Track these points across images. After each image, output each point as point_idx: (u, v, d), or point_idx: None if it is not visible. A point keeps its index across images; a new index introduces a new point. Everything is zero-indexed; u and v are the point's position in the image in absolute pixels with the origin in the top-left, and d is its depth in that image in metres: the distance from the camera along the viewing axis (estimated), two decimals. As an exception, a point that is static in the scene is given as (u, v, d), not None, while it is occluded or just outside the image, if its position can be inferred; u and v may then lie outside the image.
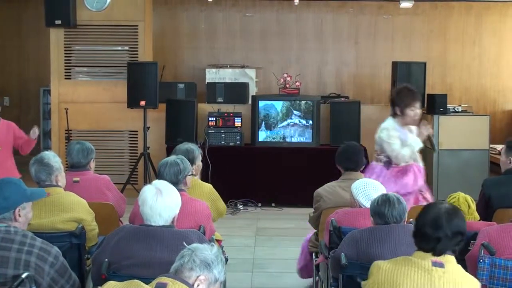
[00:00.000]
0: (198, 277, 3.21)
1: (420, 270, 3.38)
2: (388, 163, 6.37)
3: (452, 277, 3.37)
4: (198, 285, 3.20)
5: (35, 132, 7.67)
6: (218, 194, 5.89)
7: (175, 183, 4.82)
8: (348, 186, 5.67)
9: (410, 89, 6.41)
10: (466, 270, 4.42)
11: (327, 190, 5.81)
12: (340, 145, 6.07)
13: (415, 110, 6.31)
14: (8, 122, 7.74)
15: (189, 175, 5.09)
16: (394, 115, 6.38)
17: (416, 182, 6.37)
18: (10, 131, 7.67)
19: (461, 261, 4.57)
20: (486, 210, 5.48)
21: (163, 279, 3.19)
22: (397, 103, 6.33)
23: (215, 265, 3.25)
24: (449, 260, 3.43)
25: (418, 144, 6.40)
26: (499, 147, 10.39)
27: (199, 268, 3.22)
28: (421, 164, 6.54)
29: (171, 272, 3.24)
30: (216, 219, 5.75)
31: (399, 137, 6.30)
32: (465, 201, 5.02)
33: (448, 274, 3.37)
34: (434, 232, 3.39)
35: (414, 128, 6.45)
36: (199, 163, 5.84)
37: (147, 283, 3.25)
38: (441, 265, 3.38)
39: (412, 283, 3.37)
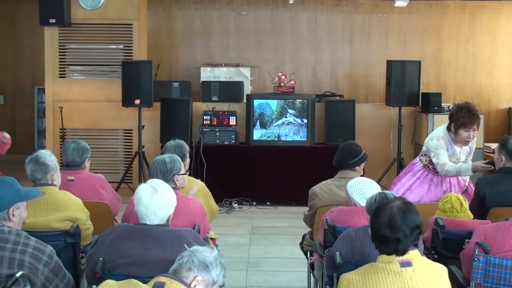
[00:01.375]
0: (195, 277, 3.21)
1: (390, 274, 3.33)
2: (432, 167, 6.32)
3: (422, 273, 3.35)
4: (195, 286, 3.20)
5: (5, 136, 7.59)
6: (210, 192, 5.93)
7: (166, 180, 4.82)
8: (343, 184, 5.68)
9: (471, 110, 6.13)
10: (460, 268, 4.46)
11: (322, 189, 5.81)
12: (337, 144, 6.08)
13: (470, 133, 6.12)
14: None
15: (181, 174, 5.08)
16: (449, 128, 6.22)
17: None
18: None
19: (455, 259, 4.61)
20: (481, 209, 5.49)
21: (161, 279, 3.20)
22: (454, 120, 6.15)
23: (214, 267, 3.25)
24: (414, 255, 3.39)
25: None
26: (494, 145, 10.42)
27: (197, 268, 3.22)
28: (467, 179, 6.41)
29: (170, 272, 3.24)
30: (211, 220, 5.75)
31: (447, 150, 6.20)
32: (457, 199, 5.04)
33: (418, 270, 3.35)
34: (392, 234, 3.35)
35: (466, 148, 6.33)
36: (188, 159, 5.88)
37: (142, 282, 3.25)
38: (409, 264, 3.35)
39: None
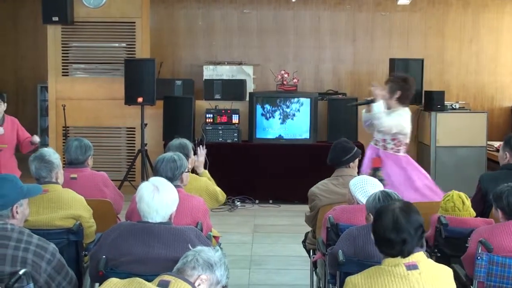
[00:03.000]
0: (199, 276, 3.22)
1: (397, 278, 3.31)
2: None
3: (429, 275, 3.33)
4: (199, 284, 3.20)
5: (36, 140, 7.67)
6: (214, 187, 5.95)
7: (171, 179, 4.83)
8: (340, 183, 5.71)
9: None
10: (463, 267, 4.45)
11: (321, 189, 5.82)
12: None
13: None
14: (12, 119, 7.74)
15: (186, 172, 5.10)
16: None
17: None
18: (14, 128, 7.68)
19: (458, 258, 4.60)
20: (483, 206, 5.48)
21: (165, 277, 3.20)
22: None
23: (218, 267, 3.27)
24: (420, 258, 3.37)
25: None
26: (497, 144, 10.43)
27: (201, 267, 3.24)
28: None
29: (174, 271, 3.25)
30: (216, 205, 5.87)
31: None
32: (459, 198, 5.03)
33: (424, 273, 3.33)
34: (397, 236, 3.33)
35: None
36: (193, 157, 5.89)
37: (144, 280, 3.25)
38: (415, 267, 3.33)
39: None
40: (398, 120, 6.74)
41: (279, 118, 9.88)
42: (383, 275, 3.34)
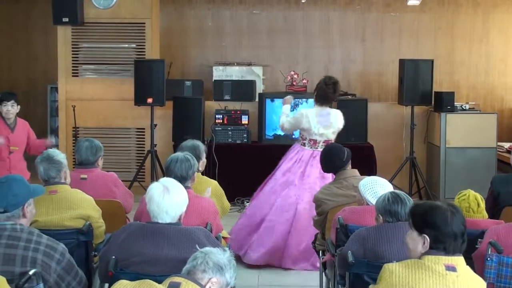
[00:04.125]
0: (210, 279, 3.23)
1: (435, 275, 3.33)
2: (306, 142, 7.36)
3: (465, 280, 3.35)
4: (209, 287, 3.22)
5: (52, 142, 7.71)
6: (222, 191, 5.94)
7: (185, 179, 4.86)
8: (344, 185, 5.71)
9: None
10: (473, 268, 4.44)
11: (325, 193, 5.83)
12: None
13: None
14: (24, 122, 7.79)
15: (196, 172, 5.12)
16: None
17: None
18: (25, 131, 7.73)
19: (467, 259, 4.59)
20: (495, 207, 5.47)
21: (176, 279, 3.21)
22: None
23: (228, 269, 3.28)
24: (460, 262, 3.40)
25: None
26: (507, 145, 10.40)
27: (212, 270, 3.25)
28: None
29: (183, 273, 3.25)
30: (222, 216, 5.77)
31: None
32: (475, 199, 4.99)
33: (461, 277, 3.34)
34: (451, 230, 3.36)
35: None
36: (204, 159, 5.89)
37: (154, 281, 3.26)
38: (453, 269, 3.35)
39: None
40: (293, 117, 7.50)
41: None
42: (421, 268, 3.37)
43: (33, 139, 7.75)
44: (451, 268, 3.35)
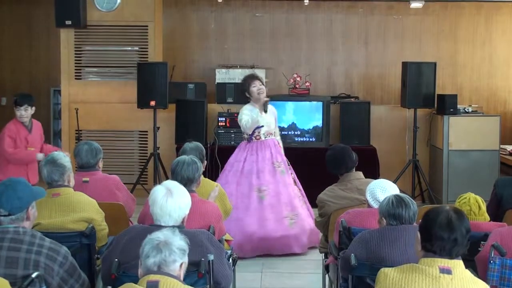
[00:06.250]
0: (180, 265, 3.35)
1: (428, 277, 3.34)
2: (249, 138, 7.66)
3: (460, 283, 3.33)
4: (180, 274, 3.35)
5: (39, 157, 7.70)
6: (225, 193, 5.97)
7: (191, 181, 4.86)
8: (349, 188, 5.70)
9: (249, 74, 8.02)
10: (476, 271, 4.43)
11: (328, 195, 5.83)
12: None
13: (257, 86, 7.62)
14: (38, 123, 7.88)
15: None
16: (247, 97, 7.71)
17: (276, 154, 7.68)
18: (40, 132, 7.81)
19: (471, 262, 4.58)
20: (497, 210, 5.46)
21: (151, 277, 3.23)
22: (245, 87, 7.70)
23: (187, 248, 3.40)
24: (457, 265, 3.39)
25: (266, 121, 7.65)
26: (510, 147, 10.39)
27: (179, 257, 3.34)
28: (277, 138, 7.96)
29: (153, 268, 3.28)
30: (224, 219, 5.77)
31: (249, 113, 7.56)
32: (476, 202, 4.99)
33: (456, 280, 3.33)
34: (451, 234, 3.37)
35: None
36: (205, 161, 5.92)
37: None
38: (448, 272, 3.34)
39: None
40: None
41: (292, 122, 9.87)
42: (415, 272, 3.38)
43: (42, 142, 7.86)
44: (445, 271, 3.35)
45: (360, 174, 5.91)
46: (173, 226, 3.94)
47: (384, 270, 3.48)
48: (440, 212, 3.45)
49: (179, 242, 3.37)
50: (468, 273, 3.44)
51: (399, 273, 3.42)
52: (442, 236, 3.38)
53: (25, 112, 7.58)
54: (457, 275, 3.36)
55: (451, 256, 3.39)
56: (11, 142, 7.51)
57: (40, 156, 7.49)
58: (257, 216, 7.43)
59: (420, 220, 3.56)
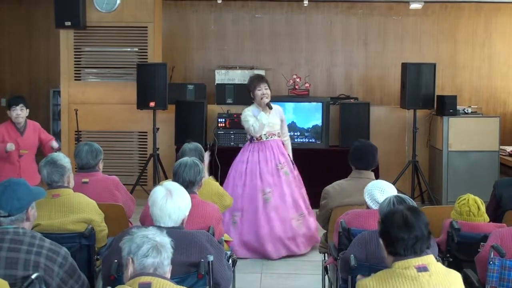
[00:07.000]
0: (169, 267, 3.38)
1: (407, 280, 3.34)
2: (251, 138, 7.68)
3: (439, 278, 3.36)
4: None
5: (55, 145, 7.73)
6: (224, 191, 6.04)
7: (193, 184, 4.87)
8: (357, 184, 5.68)
9: (257, 75, 7.93)
10: (475, 272, 4.44)
11: (335, 188, 5.82)
12: (352, 145, 6.08)
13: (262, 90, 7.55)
14: (34, 123, 7.83)
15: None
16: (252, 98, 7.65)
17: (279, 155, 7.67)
18: (36, 133, 7.76)
19: (470, 262, 4.59)
20: (497, 211, 5.47)
21: (143, 279, 3.23)
22: (250, 88, 7.64)
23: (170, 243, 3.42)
24: (430, 260, 3.41)
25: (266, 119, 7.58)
26: (509, 148, 10.40)
27: (169, 259, 3.38)
28: (285, 139, 7.94)
29: (150, 270, 3.28)
30: (229, 205, 6.05)
31: (253, 115, 7.55)
32: (475, 203, 5.00)
33: (434, 275, 3.35)
34: (410, 234, 3.37)
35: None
36: (205, 161, 5.94)
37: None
38: (425, 269, 3.35)
39: None
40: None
41: (291, 123, 9.86)
42: (394, 277, 3.36)
43: (46, 139, 7.79)
44: (422, 269, 3.36)
45: (372, 174, 5.90)
46: (173, 227, 3.95)
47: (362, 282, 3.45)
48: (395, 213, 3.46)
49: (170, 243, 3.38)
50: (441, 266, 3.47)
51: (379, 282, 3.39)
52: (402, 237, 3.38)
53: (21, 112, 7.57)
54: (434, 270, 3.37)
55: (417, 254, 3.39)
56: None
57: (9, 146, 7.44)
58: (265, 218, 7.44)
59: (377, 227, 3.57)
